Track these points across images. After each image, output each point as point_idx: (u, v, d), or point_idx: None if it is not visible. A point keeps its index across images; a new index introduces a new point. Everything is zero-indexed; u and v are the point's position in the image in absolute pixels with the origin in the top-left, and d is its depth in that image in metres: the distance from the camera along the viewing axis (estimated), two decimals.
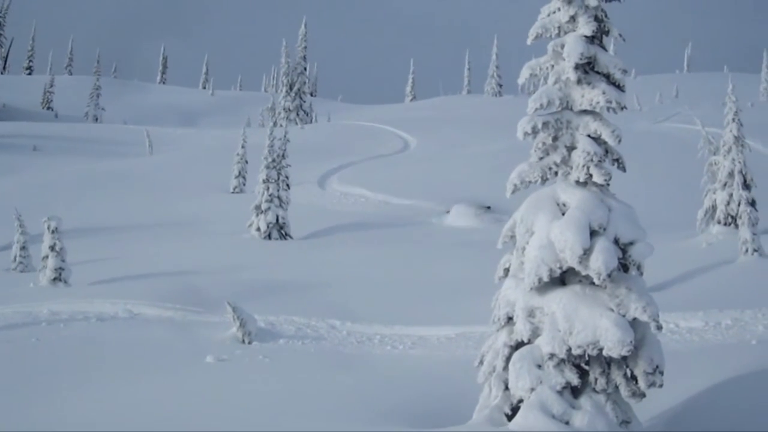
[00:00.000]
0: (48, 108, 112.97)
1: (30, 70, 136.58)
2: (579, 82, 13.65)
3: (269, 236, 42.74)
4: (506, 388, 13.65)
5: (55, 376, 19.00)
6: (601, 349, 12.76)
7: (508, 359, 13.62)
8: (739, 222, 32.01)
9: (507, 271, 14.11)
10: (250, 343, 21.78)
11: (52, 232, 33.57)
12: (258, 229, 43.04)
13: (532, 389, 13.07)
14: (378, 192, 52.47)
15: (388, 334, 23.23)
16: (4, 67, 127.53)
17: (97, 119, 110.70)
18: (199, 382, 17.67)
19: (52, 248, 33.33)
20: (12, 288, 33.01)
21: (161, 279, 31.36)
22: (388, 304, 26.47)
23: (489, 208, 41.17)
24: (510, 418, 13.46)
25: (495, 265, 14.23)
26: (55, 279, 32.98)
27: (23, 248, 38.53)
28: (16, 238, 38.61)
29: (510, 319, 13.67)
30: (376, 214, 46.60)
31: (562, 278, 13.45)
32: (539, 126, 13.72)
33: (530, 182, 13.86)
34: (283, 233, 43.04)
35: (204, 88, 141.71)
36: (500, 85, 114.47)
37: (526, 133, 13.76)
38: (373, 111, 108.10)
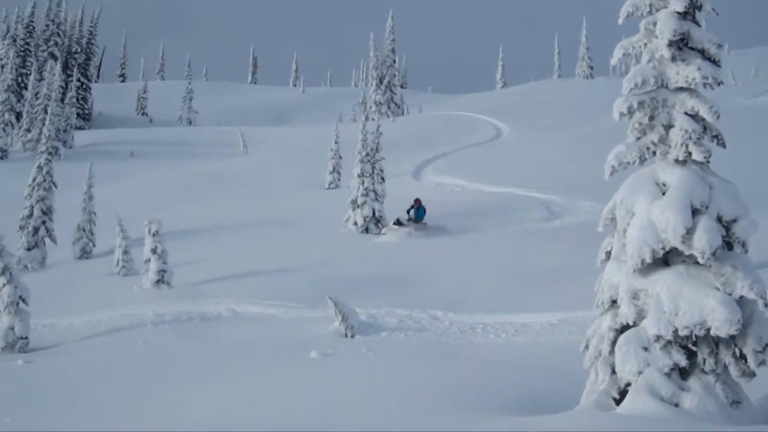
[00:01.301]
0: (142, 114, 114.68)
1: (123, 77, 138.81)
2: (673, 59, 13.45)
3: (366, 230, 42.85)
4: (613, 372, 13.51)
5: (165, 376, 19.28)
6: (708, 329, 12.57)
7: (613, 343, 13.49)
8: None
9: (609, 254, 13.97)
10: (352, 336, 21.85)
11: (153, 235, 34.03)
12: (355, 224, 43.19)
13: (640, 372, 12.92)
14: (473, 181, 52.24)
15: (490, 322, 23.14)
16: (98, 76, 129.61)
17: (190, 122, 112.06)
18: (306, 377, 17.78)
19: (153, 251, 33.80)
20: (117, 292, 33.59)
21: (261, 277, 31.64)
22: (489, 292, 26.38)
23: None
24: (618, 402, 13.34)
25: (596, 250, 14.10)
26: (158, 281, 33.44)
27: (125, 252, 39.17)
28: (118, 243, 39.27)
29: (614, 302, 13.54)
30: (472, 203, 46.39)
31: (665, 259, 13.26)
32: (635, 106, 13.55)
33: (628, 163, 13.69)
34: (380, 226, 43.12)
35: (294, 85, 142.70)
36: (591, 68, 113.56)
37: (621, 114, 13.60)
38: (464, 100, 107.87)
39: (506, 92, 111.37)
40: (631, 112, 13.56)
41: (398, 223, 40.98)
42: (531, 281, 27.74)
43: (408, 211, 41.42)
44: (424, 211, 41.38)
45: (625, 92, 13.56)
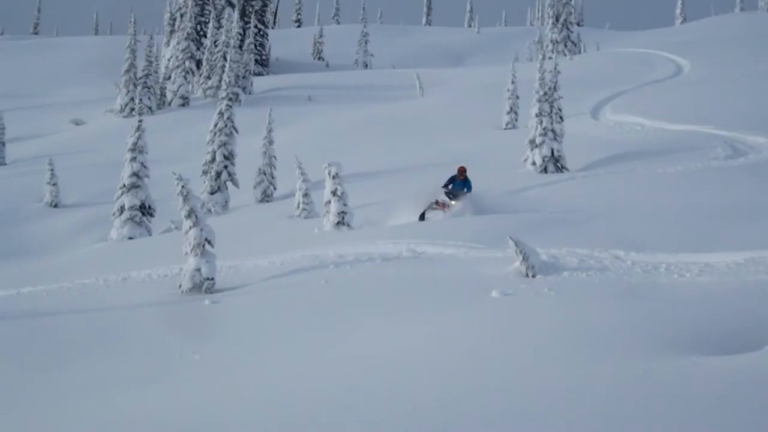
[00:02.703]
0: (319, 58, 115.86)
1: (299, 22, 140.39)
2: None
3: (545, 170, 42.53)
4: None
5: (347, 315, 19.50)
6: None
7: None
8: None
9: None
10: (533, 276, 21.65)
11: (333, 177, 34.42)
12: (534, 163, 42.91)
13: None
14: (653, 119, 51.23)
15: (673, 262, 22.63)
16: (274, 22, 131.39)
17: (366, 66, 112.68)
18: (489, 317, 17.70)
19: (334, 193, 34.21)
20: (298, 234, 34.18)
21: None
22: (672, 231, 25.83)
23: None
24: None
25: None
26: (338, 223, 33.86)
27: (306, 195, 39.81)
28: (298, 186, 39.94)
29: None
30: (653, 142, 45.52)
31: None
32: None
33: None
34: (559, 166, 42.73)
35: (469, 26, 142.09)
36: None
37: None
38: (643, 36, 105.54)
39: (686, 27, 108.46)
40: None
41: (449, 196, 32.46)
42: (715, 220, 27.05)
43: (447, 185, 32.81)
44: (469, 185, 32.80)
45: None
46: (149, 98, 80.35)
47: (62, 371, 17.52)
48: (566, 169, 42.62)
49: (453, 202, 31.81)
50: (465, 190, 32.40)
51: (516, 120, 57.96)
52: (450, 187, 32.49)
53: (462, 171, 32.58)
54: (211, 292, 25.53)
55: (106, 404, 15.03)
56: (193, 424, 13.04)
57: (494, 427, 10.99)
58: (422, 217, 32.13)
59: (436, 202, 32.29)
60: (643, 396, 11.64)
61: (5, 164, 65.22)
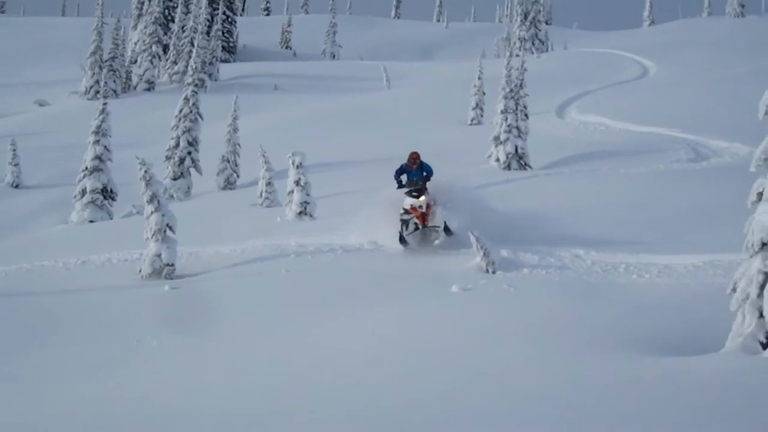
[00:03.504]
0: (286, 47, 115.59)
1: (267, 10, 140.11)
2: None
3: (509, 167, 42.66)
4: (761, 315, 13.25)
5: (306, 306, 19.56)
6: None
7: (762, 286, 13.20)
8: None
9: (761, 195, 13.59)
10: (494, 272, 21.77)
11: (297, 167, 34.41)
12: (497, 160, 43.03)
13: None
14: (618, 120, 51.53)
15: (633, 262, 22.81)
16: (243, 9, 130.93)
17: (334, 56, 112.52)
18: (447, 310, 17.83)
19: (297, 183, 34.21)
20: (260, 222, 34.13)
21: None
22: (633, 232, 26.01)
23: None
24: (765, 346, 13.11)
25: (744, 192, 13.75)
26: (300, 213, 33.87)
27: (269, 184, 39.75)
28: (261, 174, 39.88)
29: (765, 245, 13.22)
30: (617, 143, 45.79)
31: None
32: None
33: None
34: (523, 163, 42.86)
35: (438, 20, 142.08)
36: (743, 5, 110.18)
37: None
38: (610, 37, 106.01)
39: (653, 30, 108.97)
40: None
41: (412, 194, 25.08)
42: (676, 222, 27.27)
43: (400, 180, 25.57)
44: (428, 169, 25.81)
45: None
46: (114, 81, 79.98)
47: (19, 356, 17.46)
48: (530, 167, 42.80)
49: (422, 199, 24.76)
50: (424, 175, 25.46)
51: (481, 116, 58.05)
52: (403, 181, 25.46)
53: (414, 157, 25.74)
54: (172, 278, 25.48)
55: (64, 391, 14.99)
56: (152, 410, 13.07)
57: (446, 409, 11.10)
58: (402, 239, 24.82)
59: (406, 212, 24.92)
60: (591, 391, 11.77)
61: None
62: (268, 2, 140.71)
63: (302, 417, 11.80)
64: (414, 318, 17.29)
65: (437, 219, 24.97)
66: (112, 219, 44.68)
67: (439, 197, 25.42)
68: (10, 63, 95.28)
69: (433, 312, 17.76)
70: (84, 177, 45.38)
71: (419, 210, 24.66)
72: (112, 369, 15.99)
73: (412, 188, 25.15)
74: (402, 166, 25.69)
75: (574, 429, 10.30)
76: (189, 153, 50.56)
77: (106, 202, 45.50)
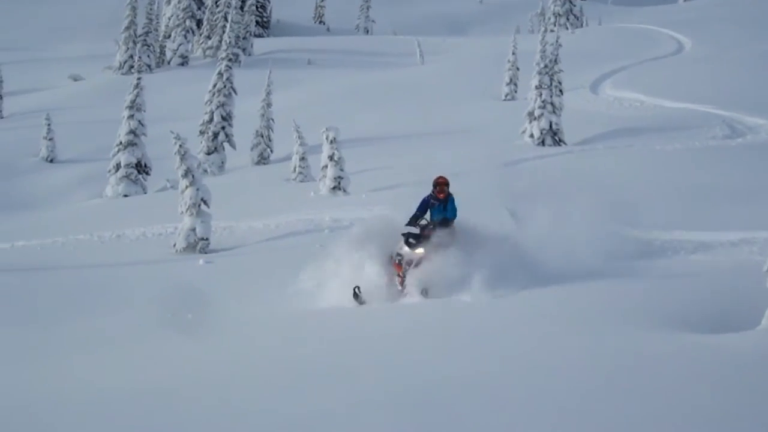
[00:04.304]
0: (320, 22, 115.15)
1: None
2: None
3: (543, 142, 42.48)
4: None
5: None
6: None
7: None
8: None
9: None
10: None
11: (331, 142, 34.42)
12: (531, 136, 42.86)
13: None
14: (653, 96, 51.16)
15: (668, 239, 22.69)
16: None
17: (367, 31, 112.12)
18: None
19: (330, 158, 34.23)
20: (294, 197, 34.17)
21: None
22: (668, 209, 25.85)
23: None
24: None
25: None
26: (334, 188, 33.90)
27: (302, 159, 39.83)
28: (295, 149, 39.95)
29: None
30: (651, 119, 45.47)
31: None
32: None
33: None
34: (557, 139, 42.68)
35: None
36: None
37: None
38: (645, 12, 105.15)
39: (689, 5, 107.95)
40: None
41: (409, 242, 18.22)
42: (711, 199, 27.08)
43: (417, 217, 18.72)
44: (452, 207, 18.87)
45: None
46: (148, 56, 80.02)
47: (57, 326, 17.57)
48: (564, 143, 42.61)
49: (418, 251, 18.06)
50: (443, 218, 18.67)
51: (515, 92, 57.88)
52: (421, 221, 18.75)
53: (442, 183, 18.97)
54: (206, 252, 25.60)
55: (98, 360, 15.08)
56: (185, 380, 13.12)
57: (481, 384, 11.08)
58: (355, 294, 18.02)
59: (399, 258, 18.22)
60: (623, 367, 11.70)
61: (2, 117, 65.03)
62: None
63: (338, 390, 11.78)
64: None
65: (423, 278, 17.73)
66: (146, 193, 44.88)
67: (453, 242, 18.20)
68: (44, 38, 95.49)
69: None
70: (118, 151, 45.59)
71: (403, 267, 18.06)
72: (144, 340, 16.07)
73: (419, 232, 18.44)
74: (426, 198, 19.00)
75: (605, 404, 10.24)
76: (223, 128, 50.62)
77: (140, 176, 45.71)
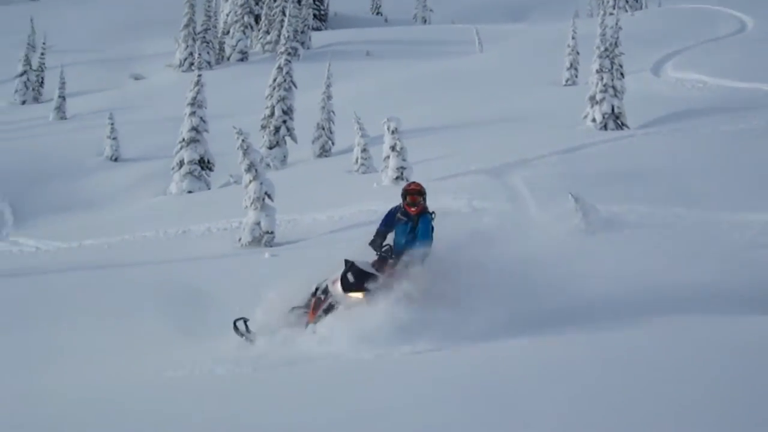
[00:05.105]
0: (377, 13, 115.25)
1: None
2: None
3: (605, 126, 42.14)
4: None
5: None
6: None
7: None
8: None
9: None
10: (593, 233, 21.56)
11: (392, 132, 34.39)
12: (593, 120, 42.54)
13: None
14: (716, 77, 50.58)
15: (735, 220, 22.46)
16: None
17: (425, 21, 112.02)
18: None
19: (393, 148, 34.21)
20: (357, 189, 34.19)
21: (498, 172, 31.52)
22: (733, 190, 25.62)
23: None
24: None
25: None
26: (397, 178, 33.86)
27: (364, 150, 39.86)
28: (356, 141, 40.00)
29: None
30: (715, 100, 44.94)
31: None
32: None
33: None
34: (620, 123, 42.32)
35: None
36: None
37: None
38: None
39: None
40: None
41: (346, 278, 13.57)
42: None
43: (379, 238, 14.19)
44: (425, 228, 13.94)
45: None
46: (208, 53, 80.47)
47: (133, 320, 17.63)
48: (626, 126, 42.24)
49: (354, 297, 13.47)
50: (412, 245, 13.84)
51: (576, 76, 57.57)
52: (382, 244, 14.11)
53: (414, 192, 14.30)
54: (271, 246, 25.72)
55: (174, 354, 15.16)
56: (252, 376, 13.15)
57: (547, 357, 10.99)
58: (235, 327, 14.58)
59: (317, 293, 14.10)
60: (687, 350, 11.54)
61: (66, 118, 65.72)
62: None
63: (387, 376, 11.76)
64: None
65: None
66: (209, 189, 45.16)
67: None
68: (105, 38, 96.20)
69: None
70: (181, 148, 45.93)
71: (319, 303, 13.79)
72: (213, 336, 16.12)
73: (353, 269, 13.64)
74: (393, 210, 14.52)
75: (670, 388, 10.11)
76: (284, 122, 50.78)
77: (203, 172, 46.00)
